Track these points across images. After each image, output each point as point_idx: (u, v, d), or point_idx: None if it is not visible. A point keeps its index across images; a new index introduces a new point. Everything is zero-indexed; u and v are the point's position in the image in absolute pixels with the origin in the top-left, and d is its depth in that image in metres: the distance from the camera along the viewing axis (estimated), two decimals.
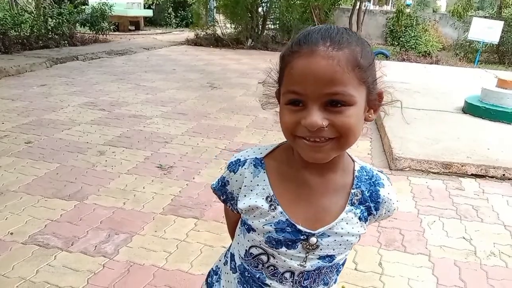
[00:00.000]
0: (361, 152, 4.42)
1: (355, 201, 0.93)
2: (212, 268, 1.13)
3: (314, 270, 0.94)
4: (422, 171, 3.93)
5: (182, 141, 4.50)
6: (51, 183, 3.35)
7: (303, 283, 0.95)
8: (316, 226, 0.90)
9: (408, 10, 16.56)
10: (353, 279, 2.35)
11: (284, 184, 0.92)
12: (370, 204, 0.94)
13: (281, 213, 0.90)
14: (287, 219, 0.89)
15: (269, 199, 0.91)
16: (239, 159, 0.96)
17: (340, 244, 0.93)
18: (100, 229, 2.73)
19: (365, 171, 0.96)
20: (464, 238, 2.85)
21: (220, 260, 1.10)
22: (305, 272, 0.94)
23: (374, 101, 0.88)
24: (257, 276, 0.96)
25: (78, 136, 4.51)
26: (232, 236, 1.10)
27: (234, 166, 0.96)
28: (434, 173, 3.90)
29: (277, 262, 0.93)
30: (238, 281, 1.01)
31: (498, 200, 3.42)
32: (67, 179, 3.44)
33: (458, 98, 6.52)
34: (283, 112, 0.84)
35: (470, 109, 5.83)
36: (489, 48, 13.93)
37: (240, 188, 0.95)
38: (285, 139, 0.90)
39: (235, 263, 1.01)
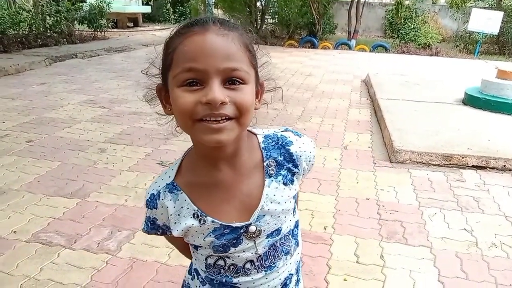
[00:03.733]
0: (361, 146, 4.43)
1: (271, 172, 0.92)
2: (182, 286, 1.14)
3: (268, 249, 0.96)
4: (423, 163, 3.93)
5: (183, 138, 4.46)
6: (53, 181, 3.36)
7: (265, 264, 0.97)
8: (249, 214, 0.90)
9: (407, 2, 16.49)
10: (355, 272, 2.36)
11: (203, 193, 0.91)
12: (288, 165, 0.94)
13: (212, 221, 0.90)
14: (221, 224, 0.90)
15: (196, 215, 0.90)
16: (153, 194, 0.93)
17: (279, 216, 0.93)
18: (102, 226, 2.74)
19: (270, 138, 0.95)
20: (465, 229, 2.85)
21: (187, 277, 1.10)
22: (262, 255, 0.95)
23: (258, 90, 0.90)
24: (224, 280, 0.98)
25: (78, 134, 4.52)
26: (188, 254, 1.09)
27: (152, 203, 0.94)
28: (435, 165, 3.91)
29: (233, 260, 0.95)
30: None
31: (499, 191, 3.43)
32: (68, 177, 3.45)
33: (458, 89, 6.51)
34: (178, 96, 0.79)
35: (470, 100, 5.83)
36: (489, 39, 13.91)
37: (168, 218, 0.93)
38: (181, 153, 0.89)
39: (201, 276, 1.02)
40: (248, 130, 0.94)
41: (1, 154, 3.88)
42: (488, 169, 3.84)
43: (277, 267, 0.98)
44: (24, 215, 2.84)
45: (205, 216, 0.90)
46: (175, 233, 0.93)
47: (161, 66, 0.87)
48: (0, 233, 2.63)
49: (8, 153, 3.90)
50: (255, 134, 0.96)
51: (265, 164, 0.92)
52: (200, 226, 0.90)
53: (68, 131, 4.58)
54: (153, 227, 0.98)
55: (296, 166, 0.95)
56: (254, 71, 0.85)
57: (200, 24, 0.80)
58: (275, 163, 0.93)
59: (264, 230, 0.92)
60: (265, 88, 0.93)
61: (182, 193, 0.91)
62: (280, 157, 0.93)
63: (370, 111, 5.91)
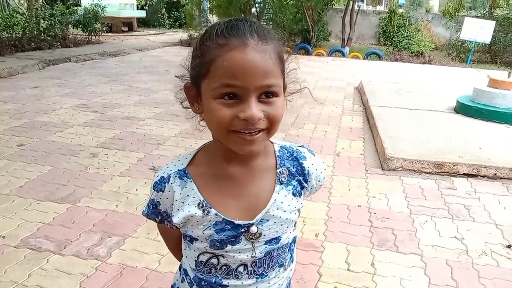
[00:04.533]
0: (353, 153, 4.44)
1: (283, 179, 0.95)
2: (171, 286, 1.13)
3: (264, 256, 0.96)
4: (414, 171, 3.95)
5: (175, 143, 4.49)
6: (44, 186, 3.34)
7: (258, 271, 0.97)
8: (253, 215, 0.91)
9: (401, 10, 16.66)
10: (346, 280, 2.36)
11: (212, 186, 0.93)
12: (300, 178, 0.97)
13: (216, 214, 0.90)
14: (223, 219, 0.90)
15: (200, 205, 0.91)
16: (163, 177, 0.94)
17: (282, 224, 0.94)
18: (92, 232, 2.72)
19: (285, 149, 0.99)
20: (456, 237, 2.86)
21: (177, 280, 1.09)
22: (257, 261, 0.95)
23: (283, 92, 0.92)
24: (213, 280, 0.97)
25: (70, 138, 4.49)
26: (178, 255, 1.09)
27: (160, 185, 0.94)
28: (426, 172, 3.93)
29: (227, 260, 0.95)
30: None
31: (489, 200, 3.45)
32: (59, 181, 3.42)
33: (450, 98, 6.56)
34: (214, 107, 0.82)
35: (462, 109, 5.88)
36: (481, 48, 14.05)
37: (172, 204, 0.94)
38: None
39: (190, 277, 1.02)
40: None
41: None
42: (479, 177, 3.87)
43: (269, 277, 0.98)
44: (14, 220, 2.81)
45: (210, 208, 0.90)
46: (175, 220, 0.93)
47: (190, 68, 0.89)
48: None
49: None
50: (272, 143, 0.99)
51: (278, 171, 0.95)
52: (203, 217, 0.91)
53: (60, 136, 4.56)
54: (154, 211, 0.98)
55: (306, 181, 0.98)
56: (282, 77, 0.88)
57: (238, 36, 0.81)
58: (287, 172, 0.96)
59: (264, 235, 0.93)
60: (289, 90, 0.96)
61: (191, 181, 0.92)
62: (293, 168, 0.97)
63: (362, 118, 5.94)
